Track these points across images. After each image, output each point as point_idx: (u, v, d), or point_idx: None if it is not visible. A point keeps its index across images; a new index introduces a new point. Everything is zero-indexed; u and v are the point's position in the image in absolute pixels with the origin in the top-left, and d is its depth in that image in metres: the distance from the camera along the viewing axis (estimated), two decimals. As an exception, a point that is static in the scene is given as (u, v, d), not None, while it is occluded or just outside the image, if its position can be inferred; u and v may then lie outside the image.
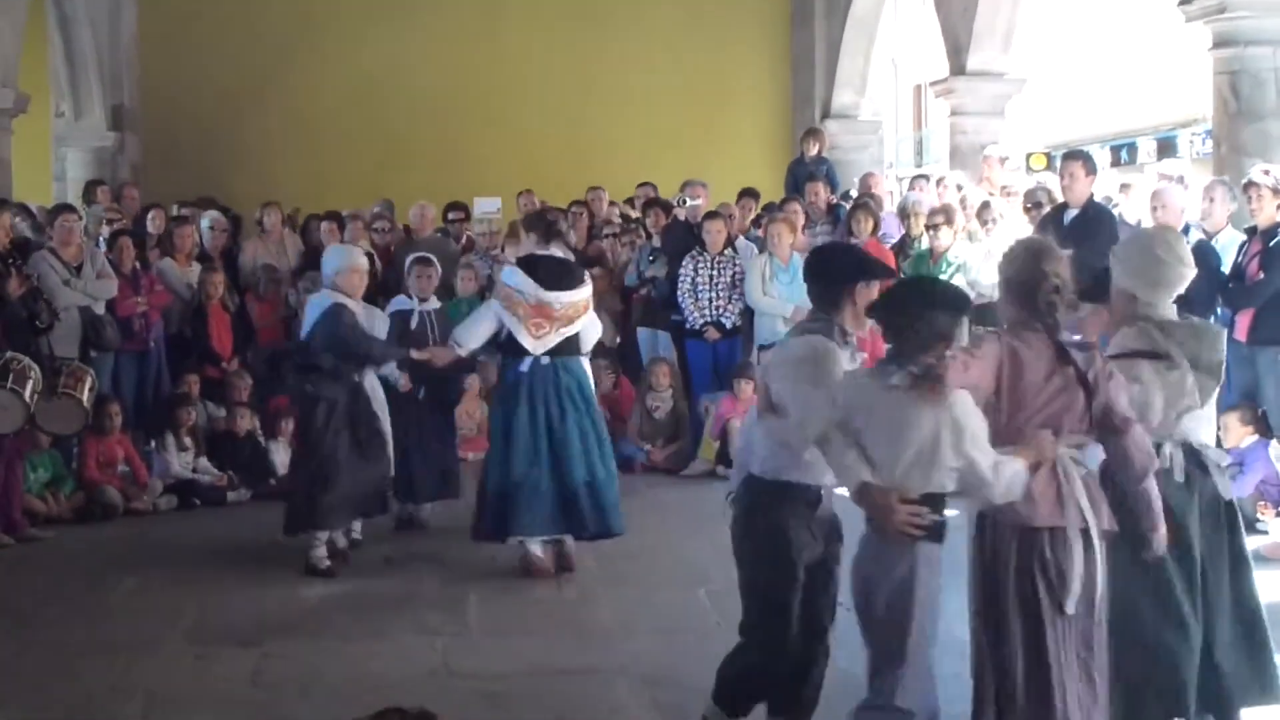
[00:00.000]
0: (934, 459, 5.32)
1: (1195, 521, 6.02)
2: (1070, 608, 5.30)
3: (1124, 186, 15.08)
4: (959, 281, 12.61)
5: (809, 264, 6.23)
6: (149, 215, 15.19)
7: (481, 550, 10.02)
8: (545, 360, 9.44)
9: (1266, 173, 10.51)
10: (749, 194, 16.00)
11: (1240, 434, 10.39)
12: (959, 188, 14.44)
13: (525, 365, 9.43)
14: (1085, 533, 5.35)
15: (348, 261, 9.96)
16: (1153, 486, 5.60)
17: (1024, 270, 5.59)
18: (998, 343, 5.47)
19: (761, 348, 13.68)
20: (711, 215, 14.22)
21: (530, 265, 9.49)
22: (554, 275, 9.46)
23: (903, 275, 13.54)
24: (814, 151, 16.99)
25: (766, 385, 5.96)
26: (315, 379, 9.70)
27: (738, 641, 6.15)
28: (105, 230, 14.21)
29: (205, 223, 14.94)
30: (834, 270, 6.04)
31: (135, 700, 7.17)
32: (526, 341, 9.39)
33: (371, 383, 10.00)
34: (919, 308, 5.46)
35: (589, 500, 9.44)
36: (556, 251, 9.66)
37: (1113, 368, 5.62)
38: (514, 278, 9.48)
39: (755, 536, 5.96)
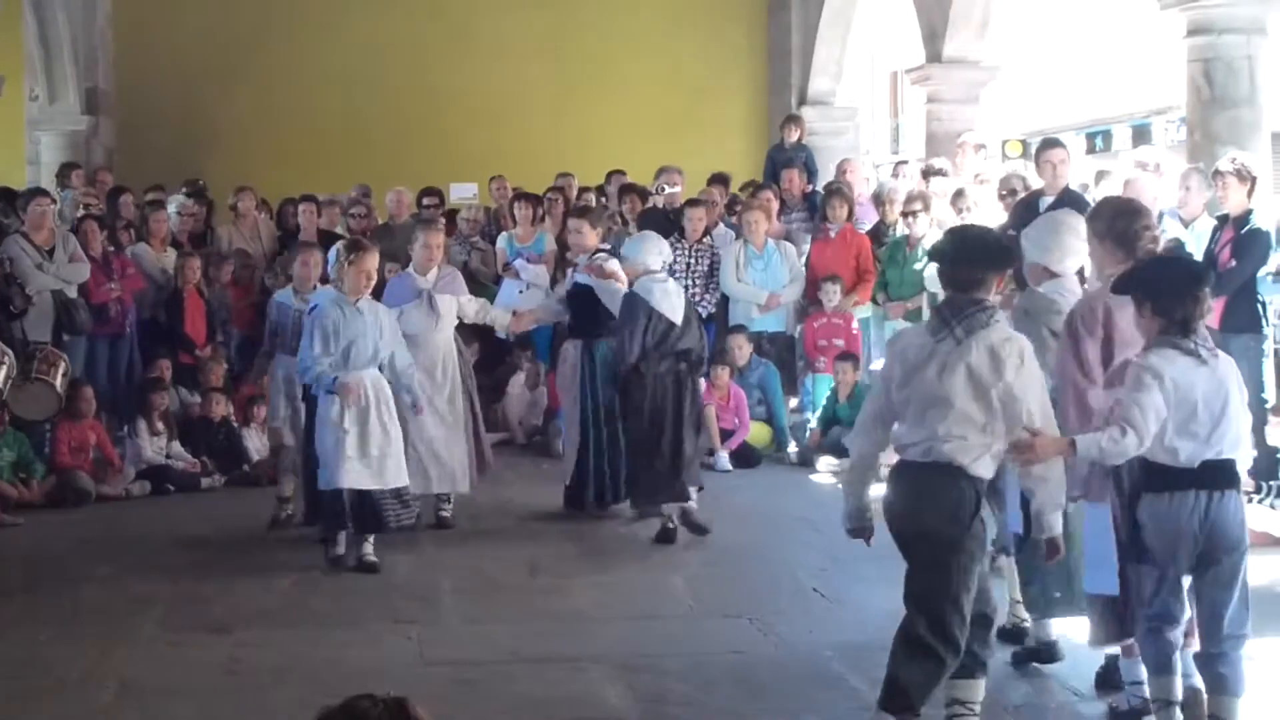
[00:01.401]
0: (1242, 423, 6.03)
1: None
2: None
3: (1100, 174, 15.11)
4: (933, 269, 12.63)
5: (959, 248, 6.21)
6: (120, 199, 15.12)
7: (454, 539, 10.05)
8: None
9: (1233, 160, 10.54)
10: (719, 179, 15.93)
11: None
12: (942, 173, 14.44)
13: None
14: None
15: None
16: None
17: (1125, 226, 6.58)
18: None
19: (732, 330, 13.67)
20: (693, 203, 14.20)
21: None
22: None
23: (879, 261, 13.63)
24: (793, 138, 16.99)
25: (986, 381, 5.83)
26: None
27: (905, 642, 5.89)
28: (81, 213, 14.17)
29: (172, 208, 14.90)
30: (990, 256, 6.10)
31: (108, 688, 7.15)
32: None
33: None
34: (1198, 285, 6.02)
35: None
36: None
37: None
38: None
39: (971, 532, 5.86)
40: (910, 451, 5.93)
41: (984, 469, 5.85)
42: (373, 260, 9.58)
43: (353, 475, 9.29)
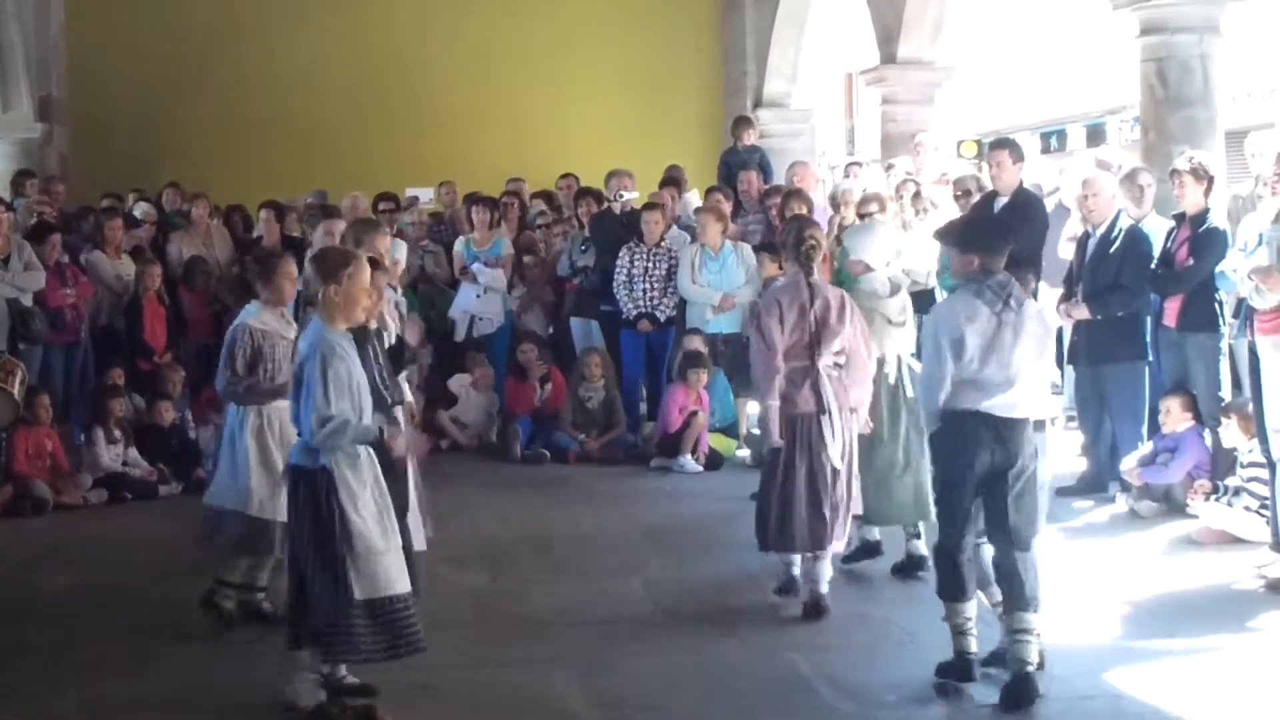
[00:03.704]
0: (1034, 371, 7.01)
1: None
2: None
3: (1064, 171, 15.20)
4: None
5: (993, 231, 7.43)
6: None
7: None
8: None
9: (1190, 159, 10.59)
10: (672, 182, 15.87)
11: (1180, 419, 10.52)
12: (905, 174, 14.46)
13: None
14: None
15: None
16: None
17: (795, 235, 8.31)
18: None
19: (687, 333, 13.63)
20: (649, 206, 14.17)
21: None
22: None
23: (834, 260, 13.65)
24: (747, 140, 16.99)
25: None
26: None
27: (1023, 554, 6.86)
28: (33, 220, 14.09)
29: (137, 214, 14.86)
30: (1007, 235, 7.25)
31: (67, 699, 7.11)
32: None
33: None
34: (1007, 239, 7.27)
35: None
36: None
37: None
38: None
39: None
40: (997, 408, 6.78)
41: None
42: (367, 274, 6.96)
43: (400, 577, 6.72)
